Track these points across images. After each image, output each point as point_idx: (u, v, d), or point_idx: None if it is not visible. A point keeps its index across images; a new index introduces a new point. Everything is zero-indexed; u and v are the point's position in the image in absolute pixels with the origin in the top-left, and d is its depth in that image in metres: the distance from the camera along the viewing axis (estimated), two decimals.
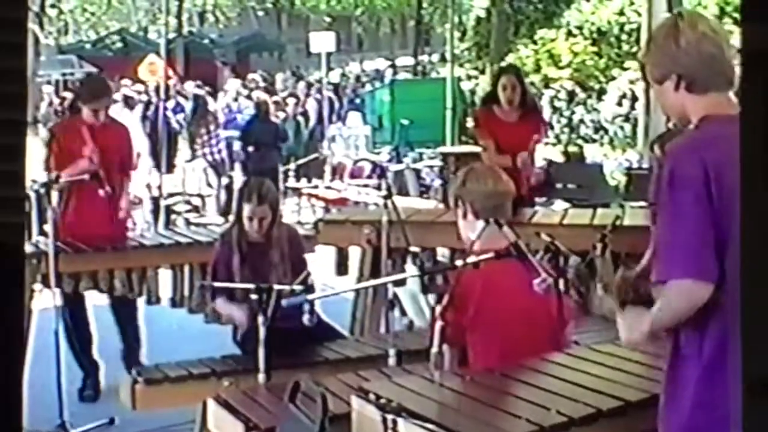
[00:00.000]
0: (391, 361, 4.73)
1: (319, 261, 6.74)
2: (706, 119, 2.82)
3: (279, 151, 13.85)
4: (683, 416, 2.82)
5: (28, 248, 6.17)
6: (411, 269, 6.45)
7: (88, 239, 6.41)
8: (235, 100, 19.02)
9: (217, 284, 6.18)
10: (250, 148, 13.42)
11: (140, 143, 12.06)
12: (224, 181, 13.56)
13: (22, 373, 1.75)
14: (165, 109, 13.73)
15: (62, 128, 7.16)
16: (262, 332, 4.43)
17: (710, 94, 2.84)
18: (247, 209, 5.40)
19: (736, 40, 2.50)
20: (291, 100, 17.62)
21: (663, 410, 2.90)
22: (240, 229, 5.47)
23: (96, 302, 6.80)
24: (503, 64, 18.32)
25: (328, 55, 15.78)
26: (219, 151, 13.46)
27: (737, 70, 2.82)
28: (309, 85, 20.55)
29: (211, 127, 13.77)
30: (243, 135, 13.96)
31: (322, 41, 16.01)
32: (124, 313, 6.84)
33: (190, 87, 18.71)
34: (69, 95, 19.31)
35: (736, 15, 15.53)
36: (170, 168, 13.74)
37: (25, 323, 5.90)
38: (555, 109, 21.48)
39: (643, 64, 3.03)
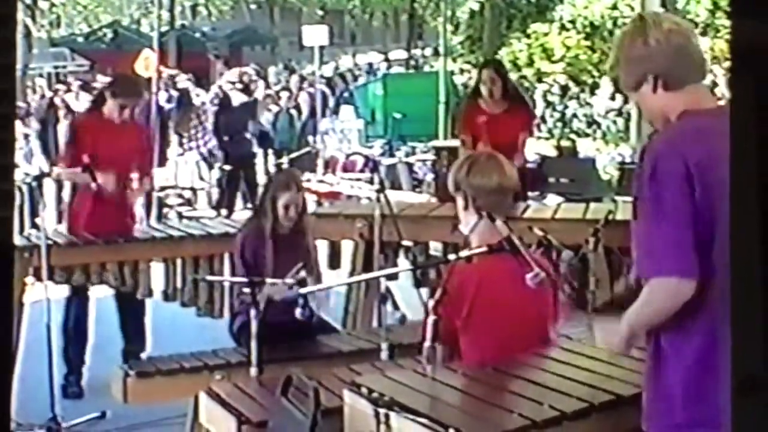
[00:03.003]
0: (384, 355, 4.73)
1: None
2: (686, 114, 2.83)
3: (249, 140, 13.95)
4: (668, 415, 2.82)
5: (21, 241, 6.16)
6: (403, 263, 6.45)
7: (96, 232, 6.43)
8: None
9: (209, 278, 6.19)
10: (225, 138, 13.46)
11: None
12: (216, 174, 13.53)
13: (10, 368, 1.74)
14: (157, 102, 13.68)
15: (84, 122, 7.08)
16: (254, 326, 4.43)
17: (686, 88, 2.85)
18: (285, 198, 5.44)
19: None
20: (284, 94, 17.59)
21: (647, 409, 2.89)
22: (274, 218, 5.46)
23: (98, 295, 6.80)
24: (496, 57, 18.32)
25: (321, 48, 15.72)
26: (205, 144, 13.43)
27: (708, 60, 2.84)
28: (302, 79, 20.51)
29: (198, 121, 13.71)
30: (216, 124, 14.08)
31: (315, 35, 15.96)
32: (129, 310, 6.85)
33: (181, 80, 18.68)
34: (61, 88, 19.33)
35: None
36: (162, 161, 13.71)
37: (17, 317, 5.89)
38: (548, 104, 21.52)
39: (614, 76, 3.02)
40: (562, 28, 22.34)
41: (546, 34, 22.20)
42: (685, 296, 2.71)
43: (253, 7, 41.04)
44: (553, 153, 13.93)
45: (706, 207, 2.66)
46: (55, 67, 30.22)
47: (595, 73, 21.25)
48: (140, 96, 7.37)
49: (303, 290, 4.33)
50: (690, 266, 2.69)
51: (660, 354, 2.83)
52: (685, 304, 2.71)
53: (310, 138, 15.90)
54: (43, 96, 18.80)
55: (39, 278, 5.91)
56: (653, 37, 2.85)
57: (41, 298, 5.84)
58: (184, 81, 18.35)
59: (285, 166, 11.00)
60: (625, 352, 3.04)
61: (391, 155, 14.52)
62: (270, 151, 15.89)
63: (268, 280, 4.73)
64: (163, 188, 12.33)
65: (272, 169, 15.56)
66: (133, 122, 7.01)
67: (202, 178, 14.46)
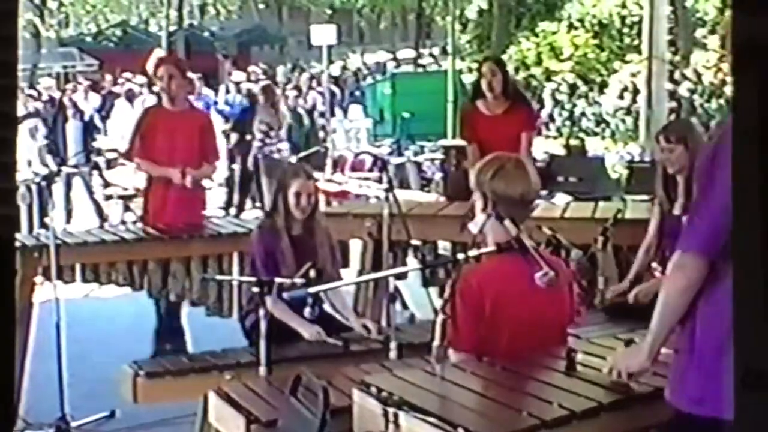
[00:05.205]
0: (393, 354, 4.73)
1: None
2: None
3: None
4: (682, 387, 2.84)
5: (30, 241, 6.17)
6: (412, 262, 6.45)
7: (167, 227, 6.58)
8: (228, 92, 18.98)
9: (219, 278, 6.18)
10: (248, 137, 13.37)
11: None
12: (225, 173, 13.51)
13: (13, 366, 1.74)
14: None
15: (145, 117, 7.14)
16: (263, 325, 4.42)
17: None
18: (295, 186, 5.29)
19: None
20: (292, 93, 17.59)
21: (670, 380, 2.92)
22: (286, 210, 5.33)
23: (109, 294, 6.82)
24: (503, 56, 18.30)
25: (329, 47, 15.72)
26: (272, 152, 12.76)
27: None
28: (310, 78, 20.51)
29: (267, 127, 12.95)
30: (238, 124, 13.99)
31: (323, 34, 15.97)
32: (167, 311, 6.92)
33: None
34: (68, 87, 19.37)
35: None
36: None
37: (27, 316, 5.90)
38: (556, 102, 21.50)
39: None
40: (571, 26, 22.31)
41: (554, 33, 22.17)
42: (692, 272, 2.76)
43: (261, 6, 41.08)
44: (562, 152, 13.91)
45: None
46: (64, 67, 30.30)
47: (604, 72, 21.22)
48: (183, 71, 7.25)
49: (312, 289, 4.32)
50: (709, 246, 2.72)
51: (691, 326, 2.86)
52: (724, 284, 2.72)
53: (321, 135, 15.88)
54: (51, 96, 18.86)
55: (48, 278, 5.92)
56: None
57: (50, 298, 5.85)
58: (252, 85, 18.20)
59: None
60: (646, 366, 3.10)
61: (400, 154, 14.50)
62: None
63: (277, 280, 4.71)
64: None
65: None
66: (192, 110, 7.08)
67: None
